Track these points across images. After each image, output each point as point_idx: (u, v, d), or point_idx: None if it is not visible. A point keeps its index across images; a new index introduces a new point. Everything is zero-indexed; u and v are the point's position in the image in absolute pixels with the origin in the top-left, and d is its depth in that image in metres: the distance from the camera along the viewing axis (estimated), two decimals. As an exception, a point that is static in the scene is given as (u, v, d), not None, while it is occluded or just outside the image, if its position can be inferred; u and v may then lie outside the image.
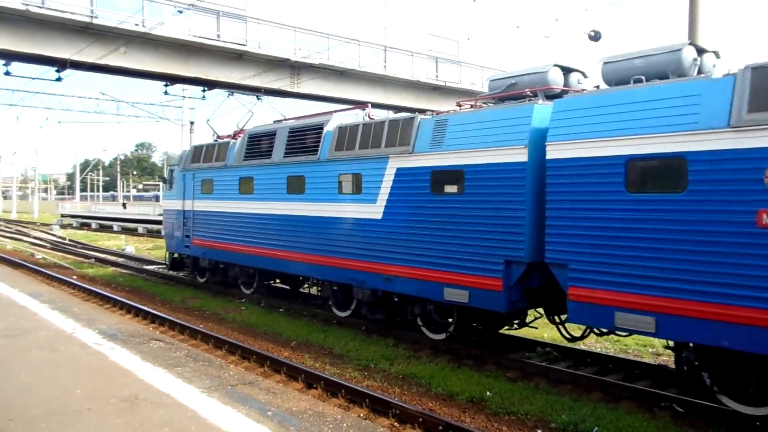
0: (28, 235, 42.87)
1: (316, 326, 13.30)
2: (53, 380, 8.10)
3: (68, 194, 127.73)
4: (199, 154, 18.14)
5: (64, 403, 7.17)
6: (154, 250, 32.90)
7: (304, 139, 13.98)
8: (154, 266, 24.76)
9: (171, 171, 19.96)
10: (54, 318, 12.40)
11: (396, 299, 11.82)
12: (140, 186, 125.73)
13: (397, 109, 33.16)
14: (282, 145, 14.58)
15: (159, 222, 51.14)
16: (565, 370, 9.60)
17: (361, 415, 7.89)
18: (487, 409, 8.23)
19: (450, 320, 11.07)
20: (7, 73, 23.72)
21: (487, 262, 9.73)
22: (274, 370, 9.86)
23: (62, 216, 66.54)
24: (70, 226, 58.81)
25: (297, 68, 27.09)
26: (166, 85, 27.11)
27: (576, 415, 7.78)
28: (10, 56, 22.44)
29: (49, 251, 31.50)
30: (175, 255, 20.04)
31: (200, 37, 24.14)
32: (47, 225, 58.05)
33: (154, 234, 46.17)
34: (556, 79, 10.25)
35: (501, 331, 11.57)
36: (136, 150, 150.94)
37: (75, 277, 20.71)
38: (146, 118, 39.46)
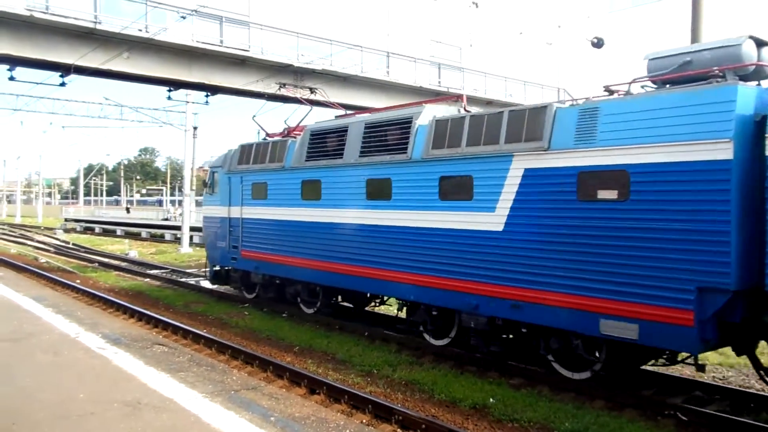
0: (32, 239, 42.97)
1: (318, 331, 13.29)
2: (57, 384, 8.12)
3: (72, 198, 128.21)
4: (247, 154, 15.76)
5: (67, 407, 7.18)
6: (157, 255, 32.96)
7: (385, 135, 11.89)
8: (158, 270, 24.79)
9: (212, 173, 17.54)
10: (57, 322, 12.42)
11: (524, 330, 9.68)
12: (144, 190, 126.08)
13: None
14: (356, 142, 12.40)
15: (162, 227, 51.23)
16: (567, 377, 9.54)
17: (364, 421, 7.88)
18: (490, 416, 8.21)
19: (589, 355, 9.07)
20: (12, 78, 23.85)
21: (669, 288, 7.67)
22: (277, 375, 9.86)
23: (66, 220, 66.66)
24: (73, 230, 58.94)
25: (300, 74, 27.16)
26: (169, 90, 27.17)
27: (579, 422, 7.76)
28: (15, 61, 22.54)
29: (53, 255, 31.56)
30: (217, 267, 17.65)
31: (203, 42, 24.23)
32: (51, 229, 58.19)
33: (157, 238, 46.25)
34: (750, 53, 8.04)
35: (641, 367, 9.74)
36: (140, 155, 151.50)
37: (78, 281, 20.74)
38: (150, 123, 39.47)
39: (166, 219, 58.86)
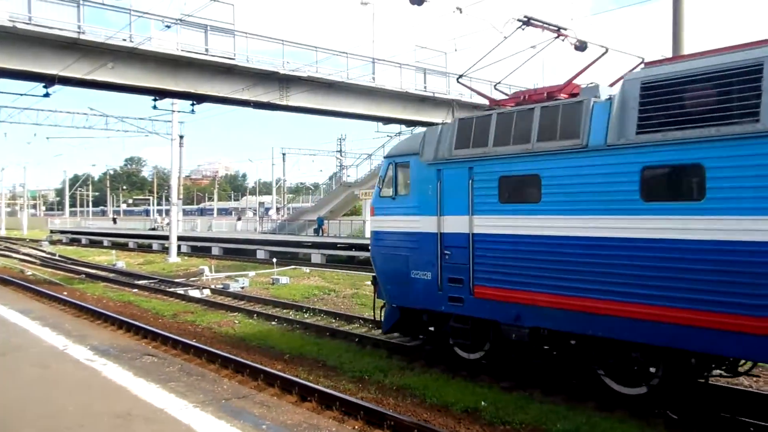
0: (18, 252, 42.53)
1: (309, 338, 13.26)
2: (45, 397, 8.04)
3: (58, 210, 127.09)
4: (479, 130, 9.95)
5: (56, 420, 7.11)
6: (145, 265, 32.76)
7: None
8: (146, 281, 24.63)
9: (393, 166, 11.44)
10: (45, 335, 12.30)
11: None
12: (130, 201, 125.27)
13: (386, 120, 33.28)
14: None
15: (149, 237, 51.02)
16: (561, 379, 9.60)
17: (356, 427, 7.88)
18: (482, 419, 8.23)
19: None
20: (-5, 90, 23.63)
21: None
22: (268, 383, 9.82)
23: (52, 232, 66.03)
24: (59, 241, 58.36)
25: (286, 81, 27.15)
26: (155, 100, 27.07)
27: (571, 423, 7.80)
28: (-2, 72, 22.38)
29: (39, 267, 31.26)
30: (393, 306, 11.51)
31: (189, 51, 24.17)
32: (37, 241, 57.60)
33: (145, 248, 45.94)
34: None
35: None
36: (126, 165, 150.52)
37: (65, 293, 20.55)
38: (135, 132, 39.26)
39: (154, 229, 58.53)
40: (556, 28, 11.09)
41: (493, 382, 9.84)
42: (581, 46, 11.60)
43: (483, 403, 8.67)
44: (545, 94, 9.89)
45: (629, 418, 8.09)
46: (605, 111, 8.39)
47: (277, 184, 69.23)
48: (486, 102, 11.06)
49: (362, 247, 33.15)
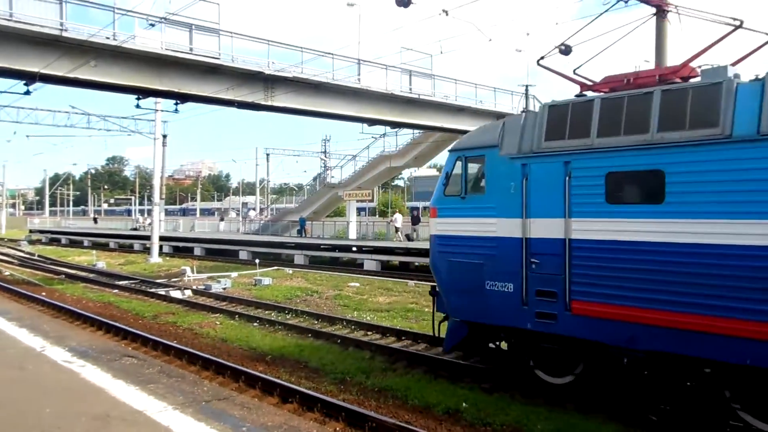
0: (-4, 252, 41.93)
1: (291, 339, 13.20)
2: (22, 399, 7.92)
3: (37, 209, 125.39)
4: (577, 119, 8.57)
5: (33, 422, 7.01)
6: (126, 265, 32.44)
7: None
8: (126, 281, 24.40)
9: (463, 160, 9.89)
10: (22, 336, 12.13)
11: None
12: (112, 200, 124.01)
13: (372, 121, 33.26)
14: None
15: (131, 237, 50.54)
16: (542, 379, 9.62)
17: (338, 429, 7.85)
18: (463, 421, 8.24)
19: None
20: (-26, 87, 23.30)
21: None
22: (249, 384, 9.75)
23: (31, 231, 65.20)
24: (39, 241, 57.64)
25: (271, 81, 27.02)
26: (138, 99, 26.82)
27: (552, 424, 7.84)
28: (-23, 70, 22.04)
29: (18, 267, 30.84)
30: (459, 321, 10.04)
31: (173, 50, 23.97)
32: (15, 241, 56.83)
33: (126, 249, 45.50)
34: None
35: None
36: (108, 164, 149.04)
37: (44, 293, 20.28)
38: (118, 132, 38.92)
39: (135, 229, 58.02)
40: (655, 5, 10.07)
41: (474, 383, 9.86)
42: (566, 51, 11.47)
43: (464, 404, 8.69)
44: (656, 77, 8.55)
45: (609, 420, 8.15)
46: (755, 94, 7.12)
47: (260, 184, 68.96)
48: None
49: (345, 248, 33.12)
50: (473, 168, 9.87)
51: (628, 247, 7.85)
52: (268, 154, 59.35)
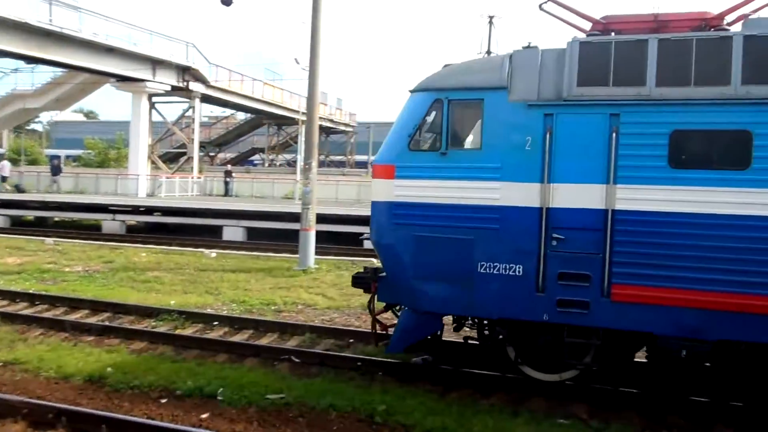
0: None
1: None
2: None
3: None
4: (625, 62, 7.01)
5: None
6: None
7: None
8: None
9: (447, 104, 7.63)
10: None
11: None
12: None
13: (4, 54, 28.50)
14: None
15: None
16: (191, 336, 9.59)
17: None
18: (107, 387, 7.69)
19: None
20: None
21: None
22: None
23: None
24: None
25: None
26: None
27: (202, 378, 7.84)
28: None
29: None
30: (423, 314, 7.86)
31: None
32: None
33: None
34: None
35: None
36: None
37: None
38: None
39: None
40: None
41: (121, 344, 9.32)
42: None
43: (109, 369, 8.13)
44: (701, 21, 7.19)
45: (258, 366, 8.51)
46: None
47: None
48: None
49: None
50: (463, 115, 7.73)
51: (698, 221, 6.64)
52: None
